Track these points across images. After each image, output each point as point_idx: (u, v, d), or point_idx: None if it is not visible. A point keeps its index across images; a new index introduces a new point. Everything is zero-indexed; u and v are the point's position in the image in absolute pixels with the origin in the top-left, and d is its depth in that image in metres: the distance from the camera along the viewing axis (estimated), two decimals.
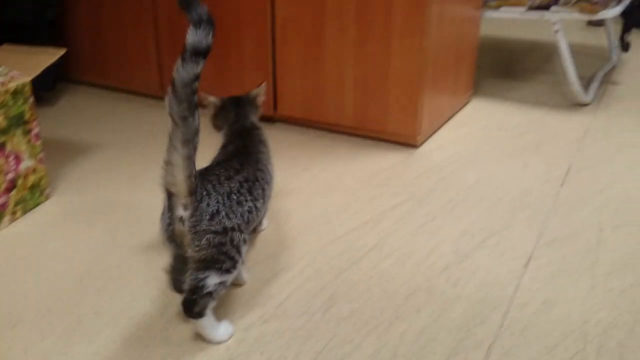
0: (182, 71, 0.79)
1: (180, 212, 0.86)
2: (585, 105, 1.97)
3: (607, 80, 2.25)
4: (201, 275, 0.87)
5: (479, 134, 1.73)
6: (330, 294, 1.04)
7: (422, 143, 1.67)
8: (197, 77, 0.80)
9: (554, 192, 1.39)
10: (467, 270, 1.10)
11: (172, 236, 0.88)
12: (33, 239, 1.22)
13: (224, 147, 1.11)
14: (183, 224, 0.86)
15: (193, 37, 0.79)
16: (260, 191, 0.98)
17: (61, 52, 1.35)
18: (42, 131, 1.75)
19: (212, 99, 1.16)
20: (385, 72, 1.58)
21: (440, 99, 1.72)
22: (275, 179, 1.38)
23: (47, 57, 1.33)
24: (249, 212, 0.93)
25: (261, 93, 1.18)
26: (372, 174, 1.49)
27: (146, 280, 1.08)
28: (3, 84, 1.21)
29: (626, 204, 1.34)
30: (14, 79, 1.24)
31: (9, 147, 1.24)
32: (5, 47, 1.40)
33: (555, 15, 1.86)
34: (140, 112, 1.93)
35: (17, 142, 1.26)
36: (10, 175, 1.25)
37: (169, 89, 0.80)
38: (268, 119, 1.84)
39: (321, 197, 1.38)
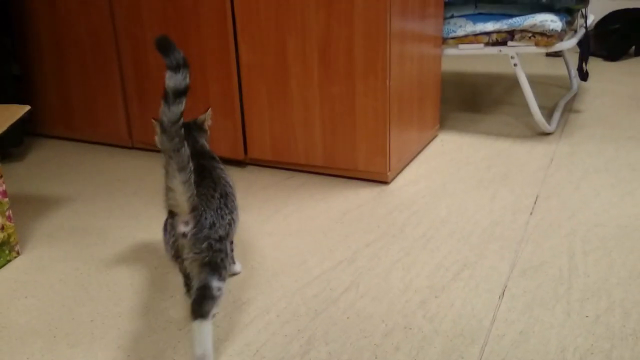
0: (168, 113, 0.87)
1: (182, 228, 0.95)
2: (549, 134, 2.02)
3: (569, 108, 2.31)
4: (206, 278, 0.96)
5: (448, 167, 1.76)
6: (308, 337, 1.03)
7: (393, 179, 1.69)
8: (182, 115, 0.88)
9: (524, 221, 1.42)
10: (443, 305, 1.10)
11: (177, 253, 0.97)
12: (4, 296, 1.19)
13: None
14: (185, 238, 0.95)
15: (174, 80, 0.86)
16: (232, 203, 1.07)
17: (25, 108, 1.35)
18: (10, 187, 1.73)
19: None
20: (351, 112, 1.60)
21: (407, 135, 1.75)
22: (247, 221, 1.37)
23: (11, 114, 1.32)
24: (229, 224, 1.03)
25: (208, 118, 1.25)
26: (345, 212, 1.50)
27: (120, 333, 1.06)
28: None
29: (595, 229, 1.36)
30: None
31: None
32: None
33: (512, 49, 1.92)
34: (108, 162, 1.92)
35: None
36: None
37: (159, 130, 0.93)
38: (238, 163, 1.85)
39: (295, 238, 1.38)
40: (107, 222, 1.50)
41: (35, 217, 1.55)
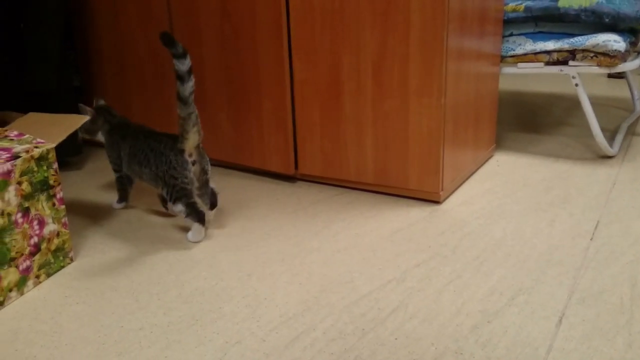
0: (184, 89, 1.33)
1: (193, 158, 1.41)
2: (611, 157, 1.94)
3: (632, 131, 2.22)
4: (210, 187, 1.48)
5: (504, 189, 1.71)
6: (354, 357, 1.00)
7: (445, 199, 1.65)
8: (193, 89, 1.35)
9: (584, 247, 1.36)
10: (496, 331, 1.06)
11: (192, 177, 1.42)
12: (56, 302, 1.22)
13: (125, 134, 1.55)
14: (194, 165, 1.42)
15: (183, 65, 1.31)
16: None
17: (84, 119, 1.39)
18: (67, 194, 1.78)
19: (89, 108, 1.60)
20: (404, 130, 1.58)
21: (461, 154, 1.71)
22: (296, 236, 1.36)
23: (70, 124, 1.36)
24: None
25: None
26: (395, 230, 1.47)
27: (167, 343, 1.06)
28: (28, 151, 1.24)
29: None
30: (39, 146, 1.26)
31: (32, 212, 1.25)
32: (30, 115, 1.44)
33: (574, 69, 1.86)
34: None
35: (41, 207, 1.27)
36: (34, 240, 1.26)
37: (178, 103, 1.35)
38: (288, 178, 1.85)
39: (343, 255, 1.36)
40: (159, 232, 1.52)
41: (89, 225, 1.58)
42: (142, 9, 1.93)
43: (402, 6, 1.49)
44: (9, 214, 1.20)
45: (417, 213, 1.57)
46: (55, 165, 1.30)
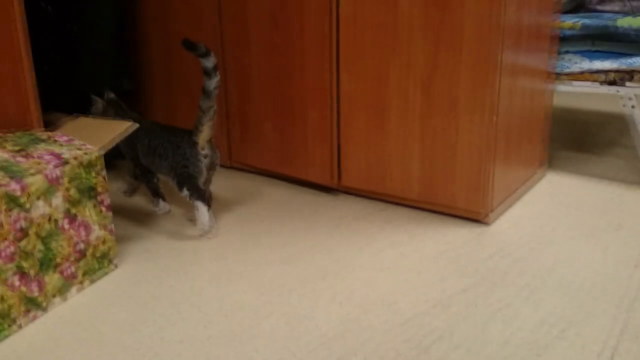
0: (209, 83, 1.44)
1: (205, 152, 1.50)
2: None
3: None
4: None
5: (555, 212, 1.65)
6: None
7: (494, 220, 1.60)
8: (218, 84, 1.45)
9: (638, 277, 1.29)
10: None
11: (203, 168, 1.50)
12: (99, 309, 1.22)
13: (139, 128, 1.55)
14: (205, 158, 1.50)
15: (209, 62, 1.42)
16: None
17: (134, 126, 1.39)
18: (114, 199, 1.80)
19: (99, 99, 1.69)
20: (453, 147, 1.54)
21: (511, 174, 1.66)
22: (338, 252, 1.34)
23: (119, 130, 1.37)
24: None
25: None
26: (441, 251, 1.43)
27: (207, 357, 1.06)
28: (76, 157, 1.25)
29: None
30: (87, 152, 1.27)
31: (79, 218, 1.26)
32: (80, 119, 1.46)
33: (631, 90, 1.79)
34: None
35: (87, 213, 1.28)
36: (79, 246, 1.27)
37: (202, 96, 1.45)
38: (330, 190, 1.83)
39: (386, 275, 1.33)
40: (203, 243, 1.52)
41: (135, 232, 1.59)
42: (193, 18, 1.94)
43: (455, 22, 1.45)
44: (56, 220, 1.21)
45: (464, 234, 1.53)
46: (104, 172, 1.30)
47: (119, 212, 1.71)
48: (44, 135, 1.32)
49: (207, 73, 1.42)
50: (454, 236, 1.52)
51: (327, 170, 1.78)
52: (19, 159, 1.21)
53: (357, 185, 1.76)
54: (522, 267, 1.35)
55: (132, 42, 2.14)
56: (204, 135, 1.48)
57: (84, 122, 1.44)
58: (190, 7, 1.94)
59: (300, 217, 1.66)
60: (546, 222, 1.58)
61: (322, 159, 1.78)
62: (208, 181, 1.55)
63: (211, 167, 1.52)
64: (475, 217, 1.59)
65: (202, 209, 1.50)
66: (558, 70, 1.88)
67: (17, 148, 1.26)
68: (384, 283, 1.30)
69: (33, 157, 1.23)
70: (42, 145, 1.28)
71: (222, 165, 2.07)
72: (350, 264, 1.38)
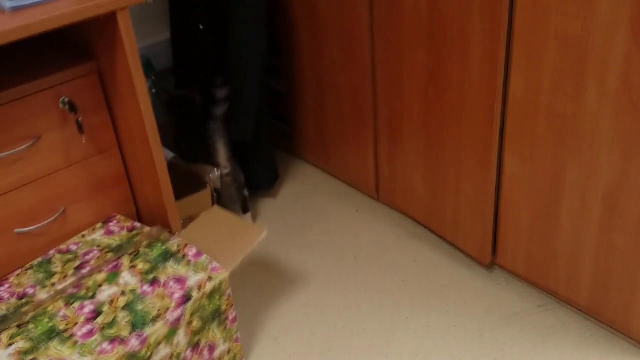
0: (218, 110, 1.62)
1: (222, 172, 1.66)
2: None
3: None
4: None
5: None
6: None
7: None
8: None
9: None
10: None
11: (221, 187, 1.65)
12: None
13: None
14: (224, 178, 1.66)
15: (223, 93, 1.61)
16: None
17: (263, 234, 1.31)
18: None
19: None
20: (636, 261, 1.25)
21: None
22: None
23: (248, 240, 1.30)
24: None
25: None
26: None
27: None
28: (200, 286, 1.21)
29: None
30: (212, 277, 1.23)
31: (202, 343, 1.25)
32: (213, 213, 1.40)
33: None
34: (351, 218, 1.82)
35: (211, 335, 1.26)
36: None
37: (210, 120, 1.64)
38: (484, 265, 1.62)
39: None
40: (338, 331, 1.45)
41: (263, 308, 1.55)
42: (345, 42, 1.72)
43: None
44: (178, 355, 1.20)
45: None
46: (229, 291, 1.26)
47: (253, 264, 1.68)
48: (175, 245, 1.29)
49: (218, 101, 1.60)
50: None
51: (479, 243, 1.58)
52: (146, 288, 1.20)
53: (514, 269, 1.54)
54: None
55: (284, 44, 1.99)
56: (222, 154, 1.64)
57: (217, 218, 1.38)
58: (346, 45, 1.72)
59: (444, 298, 1.51)
60: None
61: (474, 231, 1.57)
62: (232, 198, 1.70)
63: (233, 183, 1.68)
64: None
65: None
66: None
67: (147, 267, 1.25)
68: None
69: (159, 283, 1.21)
70: (170, 265, 1.25)
71: (369, 197, 1.93)
72: None
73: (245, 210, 1.75)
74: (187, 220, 1.45)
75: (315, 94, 1.91)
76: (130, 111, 1.23)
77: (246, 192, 1.75)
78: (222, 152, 1.64)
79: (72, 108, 1.21)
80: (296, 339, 1.44)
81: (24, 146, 1.20)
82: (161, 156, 1.25)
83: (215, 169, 1.67)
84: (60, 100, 1.20)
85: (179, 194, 1.59)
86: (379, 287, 1.57)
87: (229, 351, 1.32)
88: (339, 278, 1.61)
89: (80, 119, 1.23)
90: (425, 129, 1.58)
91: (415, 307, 1.50)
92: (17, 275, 1.24)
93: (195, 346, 1.23)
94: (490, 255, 1.57)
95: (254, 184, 1.87)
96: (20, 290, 1.20)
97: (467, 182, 1.53)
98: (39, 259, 1.28)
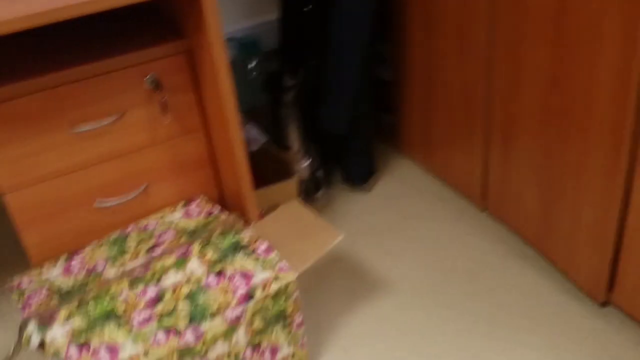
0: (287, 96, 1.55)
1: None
2: None
3: None
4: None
5: None
6: None
7: None
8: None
9: None
10: None
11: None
12: None
13: None
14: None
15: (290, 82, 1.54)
16: None
17: (338, 238, 1.21)
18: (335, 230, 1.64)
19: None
20: None
21: None
22: None
23: (323, 242, 1.21)
24: None
25: None
26: None
27: None
28: (265, 285, 1.13)
29: None
30: (279, 277, 1.15)
31: (264, 344, 1.18)
32: (291, 207, 1.32)
33: None
34: (453, 229, 1.66)
35: (274, 337, 1.19)
36: None
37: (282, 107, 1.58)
38: (597, 301, 1.40)
39: None
40: (418, 340, 1.32)
41: (336, 314, 1.45)
42: (461, 37, 1.56)
43: None
44: (237, 354, 1.15)
45: None
46: (296, 294, 1.18)
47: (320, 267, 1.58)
48: (246, 237, 1.23)
49: (287, 89, 1.55)
50: None
51: (593, 276, 1.37)
52: (210, 279, 1.15)
53: (631, 311, 1.32)
54: None
55: (395, 60, 1.86)
56: (293, 139, 1.60)
57: (295, 213, 1.30)
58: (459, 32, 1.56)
59: (541, 331, 1.33)
60: None
61: (590, 261, 1.36)
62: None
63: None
64: None
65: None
66: None
67: (215, 257, 1.20)
68: None
69: (225, 276, 1.16)
70: (239, 257, 1.19)
71: (473, 205, 1.76)
72: None
73: (317, 188, 1.72)
74: (271, 208, 1.39)
75: (424, 87, 1.76)
76: (214, 94, 1.18)
77: (320, 173, 1.72)
78: (293, 138, 1.60)
79: (158, 86, 1.18)
80: (367, 353, 1.33)
81: (109, 121, 1.18)
82: (239, 143, 1.18)
83: (305, 159, 1.59)
84: (146, 78, 1.17)
85: (268, 181, 1.53)
86: (469, 309, 1.42)
87: (293, 355, 1.25)
88: (425, 292, 1.47)
89: (164, 98, 1.19)
90: (544, 138, 1.39)
91: (509, 338, 1.34)
92: (92, 248, 1.24)
93: (256, 347, 1.17)
94: (605, 291, 1.36)
95: (347, 177, 1.77)
96: (91, 264, 1.20)
97: (587, 204, 1.32)
98: (116, 234, 1.27)
